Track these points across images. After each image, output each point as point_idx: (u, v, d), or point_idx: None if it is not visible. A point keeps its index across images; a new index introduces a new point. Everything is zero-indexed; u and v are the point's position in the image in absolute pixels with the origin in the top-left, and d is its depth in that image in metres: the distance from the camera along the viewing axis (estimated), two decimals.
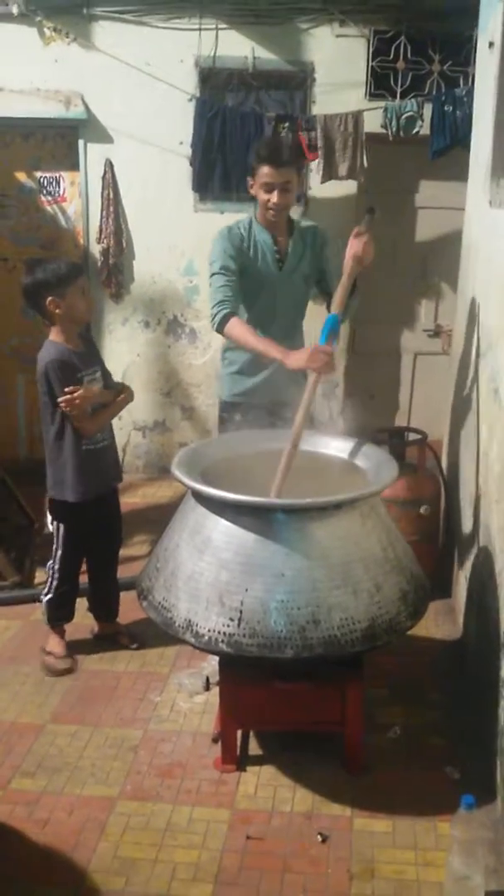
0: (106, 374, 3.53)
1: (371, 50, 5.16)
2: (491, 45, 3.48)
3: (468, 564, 3.42)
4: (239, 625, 2.44)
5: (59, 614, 3.53)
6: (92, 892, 2.35)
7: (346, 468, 2.93)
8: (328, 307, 3.15)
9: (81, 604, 3.63)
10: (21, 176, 5.59)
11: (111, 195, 5.43)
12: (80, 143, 5.42)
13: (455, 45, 5.10)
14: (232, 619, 2.45)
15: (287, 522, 2.49)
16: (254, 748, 2.96)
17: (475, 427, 3.35)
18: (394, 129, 5.07)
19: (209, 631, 2.47)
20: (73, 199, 5.62)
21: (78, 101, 5.27)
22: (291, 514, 2.50)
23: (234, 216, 3.77)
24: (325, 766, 2.82)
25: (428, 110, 5.02)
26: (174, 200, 5.46)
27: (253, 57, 5.22)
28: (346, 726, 2.79)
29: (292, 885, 2.35)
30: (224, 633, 2.45)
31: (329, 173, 5.12)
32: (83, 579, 3.61)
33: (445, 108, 4.95)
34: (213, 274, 3.28)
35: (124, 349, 5.74)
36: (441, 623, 3.76)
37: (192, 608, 2.53)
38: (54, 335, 3.31)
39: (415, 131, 5.07)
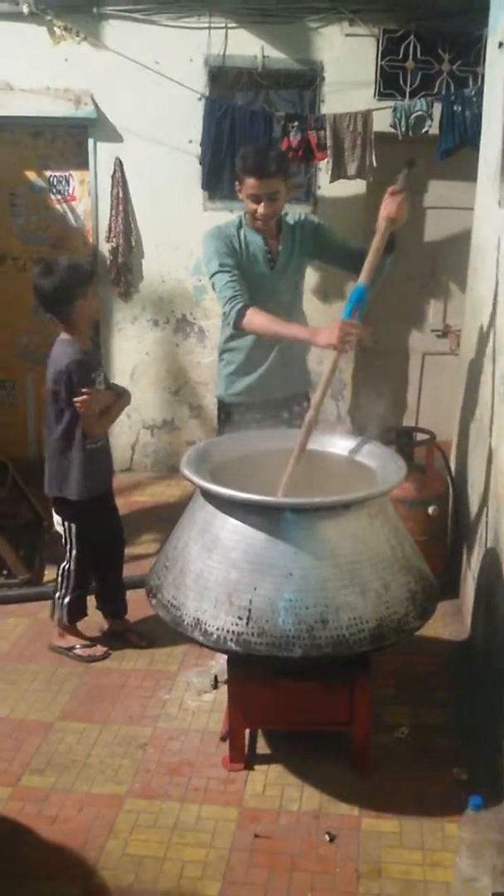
0: (106, 376, 3.55)
1: (380, 49, 5.15)
2: (501, 44, 3.47)
3: (476, 565, 3.42)
4: (247, 623, 2.45)
5: (77, 614, 3.58)
6: (101, 889, 2.36)
7: (355, 468, 2.93)
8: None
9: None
10: (31, 175, 5.61)
11: (120, 194, 5.44)
12: (90, 141, 5.43)
13: (465, 45, 5.09)
14: (240, 618, 2.46)
15: (296, 522, 2.50)
16: (262, 747, 2.97)
17: (485, 427, 3.34)
18: (403, 128, 5.06)
19: (218, 629, 2.48)
20: (83, 197, 5.63)
21: (87, 100, 5.27)
22: (300, 514, 2.51)
23: None
24: (332, 765, 2.83)
25: (437, 110, 5.02)
26: (183, 199, 5.46)
27: (262, 56, 5.22)
28: (353, 726, 2.79)
29: (300, 883, 2.36)
30: (233, 632, 2.46)
31: (338, 173, 5.11)
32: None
33: (455, 108, 4.94)
34: (213, 274, 3.26)
35: (133, 348, 5.75)
36: (449, 623, 3.76)
37: (200, 607, 2.54)
38: (68, 335, 3.33)
39: (424, 131, 5.06)
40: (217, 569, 2.54)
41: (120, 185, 5.43)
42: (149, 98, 5.29)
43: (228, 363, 3.49)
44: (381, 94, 5.20)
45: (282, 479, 2.83)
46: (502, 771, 2.60)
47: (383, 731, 2.99)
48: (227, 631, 2.47)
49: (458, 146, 4.96)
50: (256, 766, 2.86)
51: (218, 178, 5.31)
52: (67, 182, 5.63)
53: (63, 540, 3.50)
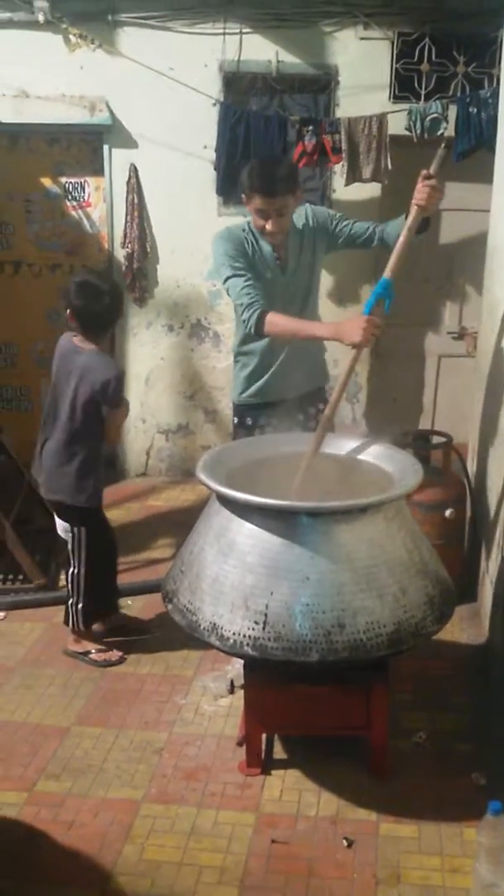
0: None
1: (395, 52, 5.14)
2: None
3: (494, 568, 3.39)
4: (264, 628, 2.44)
5: (92, 617, 3.59)
6: (117, 894, 2.36)
7: (371, 471, 2.91)
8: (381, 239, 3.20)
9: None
10: (46, 181, 5.64)
11: (136, 200, 5.45)
12: (105, 148, 5.45)
13: (480, 47, 5.06)
14: (257, 623, 2.45)
15: (312, 526, 2.49)
16: (278, 752, 2.96)
17: (503, 430, 3.32)
18: (418, 131, 5.04)
19: (234, 634, 2.47)
20: (98, 204, 5.65)
21: (103, 107, 5.30)
22: (316, 518, 2.49)
23: None
24: (350, 770, 2.81)
25: (452, 112, 4.99)
26: (198, 205, 5.47)
27: (277, 61, 5.22)
28: (370, 731, 2.77)
29: (318, 889, 2.35)
30: (249, 637, 2.45)
31: (353, 176, 5.10)
32: None
33: (470, 110, 4.92)
34: (227, 279, 3.22)
35: (148, 353, 5.76)
36: (466, 627, 3.73)
37: (217, 611, 2.53)
38: (94, 346, 3.39)
39: (439, 133, 5.03)
40: (233, 573, 2.53)
41: (135, 191, 5.45)
42: (163, 104, 5.31)
43: (244, 366, 3.48)
44: (396, 97, 5.19)
45: (295, 481, 2.82)
46: None
47: (401, 735, 2.97)
48: (244, 635, 2.46)
49: (473, 148, 4.94)
50: (273, 771, 2.85)
51: (233, 184, 5.30)
52: (83, 188, 5.65)
53: (71, 546, 3.50)
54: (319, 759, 2.88)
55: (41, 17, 5.07)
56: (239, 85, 5.34)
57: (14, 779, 2.83)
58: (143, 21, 5.21)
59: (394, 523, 2.59)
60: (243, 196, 3.24)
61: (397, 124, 5.06)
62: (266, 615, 2.44)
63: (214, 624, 2.52)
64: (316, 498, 2.63)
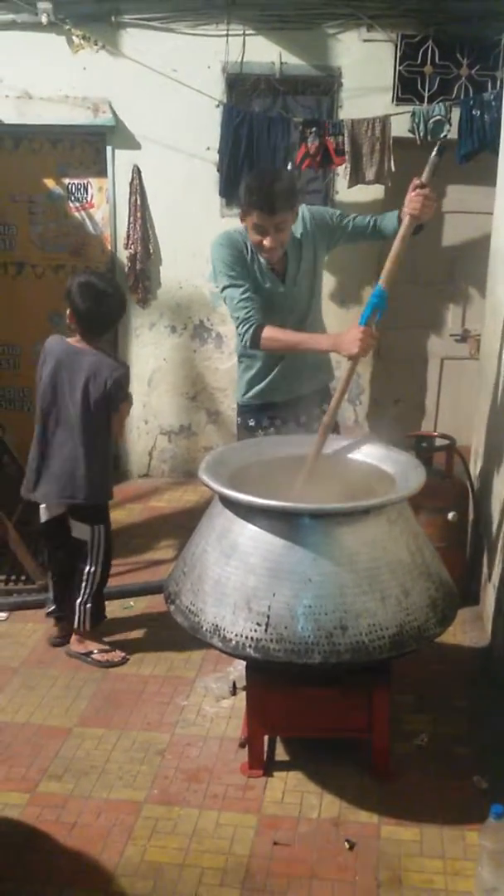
0: None
1: (398, 54, 5.14)
2: None
3: (497, 571, 3.39)
4: (266, 630, 2.44)
5: (99, 617, 3.60)
6: (119, 895, 2.35)
7: (374, 473, 2.91)
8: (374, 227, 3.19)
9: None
10: (49, 182, 5.65)
11: (138, 201, 5.46)
12: (108, 149, 5.46)
13: (483, 49, 5.07)
14: (259, 624, 2.45)
15: (314, 527, 2.49)
16: (280, 754, 2.95)
17: None
18: (421, 133, 5.05)
19: (236, 636, 2.47)
20: (101, 205, 5.66)
21: (106, 108, 5.30)
22: (319, 519, 2.49)
23: None
24: (351, 772, 2.81)
25: (456, 114, 5.00)
26: (201, 206, 5.47)
27: (280, 62, 5.23)
28: (372, 733, 2.77)
29: (320, 892, 2.34)
30: (251, 638, 2.45)
31: (356, 178, 5.11)
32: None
33: (473, 112, 4.92)
34: (223, 288, 3.19)
35: (150, 353, 5.77)
36: (469, 630, 3.73)
37: (219, 613, 2.53)
38: (94, 346, 3.40)
39: (442, 135, 5.04)
40: (235, 575, 2.53)
41: (138, 193, 5.45)
42: (166, 105, 5.31)
43: (248, 368, 3.47)
44: (400, 99, 5.19)
45: (297, 483, 2.82)
46: None
47: (403, 738, 2.97)
48: (246, 637, 2.46)
49: (476, 150, 4.95)
50: (275, 773, 2.85)
51: (235, 185, 5.29)
52: (86, 189, 5.66)
53: (90, 544, 3.50)
54: (321, 762, 2.87)
55: (44, 19, 5.08)
56: (242, 86, 5.35)
57: (16, 780, 2.83)
58: (146, 22, 5.22)
59: (396, 525, 2.59)
60: (240, 212, 3.15)
61: (400, 126, 5.07)
62: (268, 617, 2.44)
63: (217, 625, 2.52)
64: (319, 500, 2.63)
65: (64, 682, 3.42)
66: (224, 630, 2.50)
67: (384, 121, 5.03)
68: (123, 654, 3.57)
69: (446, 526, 3.84)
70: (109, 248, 5.67)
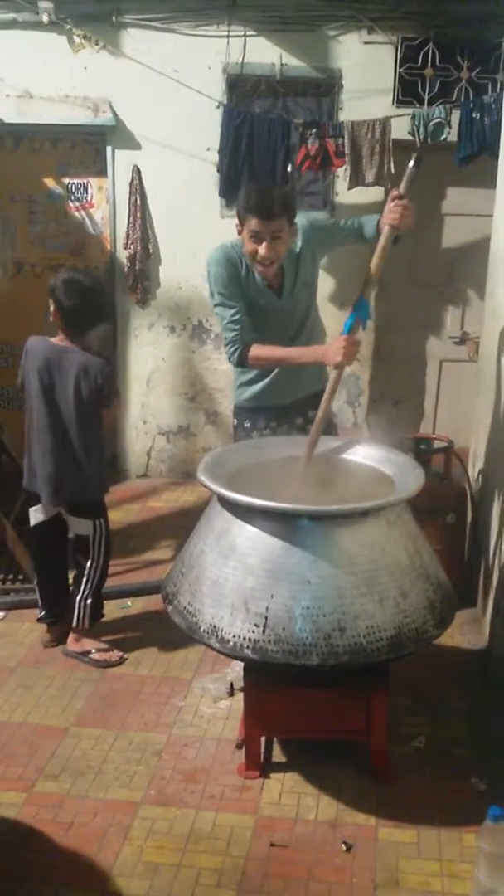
0: None
1: (399, 57, 5.15)
2: None
3: (495, 573, 3.39)
4: (264, 631, 2.44)
5: (98, 614, 3.60)
6: (115, 895, 2.35)
7: (372, 475, 2.91)
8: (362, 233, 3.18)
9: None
10: (49, 182, 5.64)
11: (138, 201, 5.46)
12: (108, 149, 5.46)
13: (483, 52, 5.07)
14: (257, 626, 2.44)
15: (313, 529, 2.49)
16: (277, 755, 2.95)
17: None
18: (421, 135, 5.05)
19: (234, 637, 2.47)
20: (101, 205, 5.66)
21: (106, 108, 5.30)
22: (318, 521, 2.49)
23: None
24: (349, 774, 2.81)
25: (456, 117, 5.00)
26: (201, 207, 5.47)
27: (280, 64, 5.23)
28: (370, 735, 2.77)
29: (316, 893, 2.34)
30: (249, 640, 2.45)
31: (356, 180, 5.11)
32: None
33: (473, 115, 4.93)
34: (215, 305, 3.20)
35: (149, 354, 5.76)
36: (467, 632, 3.73)
37: (216, 614, 2.53)
38: (78, 345, 3.40)
39: (442, 138, 5.05)
40: (233, 576, 2.53)
41: (138, 193, 5.45)
42: (167, 106, 5.31)
43: (244, 371, 3.46)
44: (400, 102, 5.20)
45: (295, 485, 2.82)
46: None
47: (400, 740, 2.97)
48: (244, 638, 2.46)
49: (476, 153, 4.95)
50: (272, 775, 2.85)
51: (235, 186, 5.31)
52: (86, 189, 5.66)
53: (92, 540, 3.50)
54: (318, 763, 2.87)
55: (45, 18, 5.07)
56: (242, 87, 5.35)
57: (13, 779, 2.82)
58: (147, 23, 5.22)
59: (395, 527, 2.59)
60: (237, 225, 3.12)
61: (400, 128, 5.08)
62: (266, 618, 2.44)
63: (214, 626, 2.52)
64: (317, 501, 2.63)
65: (61, 681, 3.41)
66: (222, 631, 2.50)
67: (384, 123, 5.04)
68: (121, 654, 3.56)
69: (444, 528, 3.84)
70: (109, 247, 5.67)
